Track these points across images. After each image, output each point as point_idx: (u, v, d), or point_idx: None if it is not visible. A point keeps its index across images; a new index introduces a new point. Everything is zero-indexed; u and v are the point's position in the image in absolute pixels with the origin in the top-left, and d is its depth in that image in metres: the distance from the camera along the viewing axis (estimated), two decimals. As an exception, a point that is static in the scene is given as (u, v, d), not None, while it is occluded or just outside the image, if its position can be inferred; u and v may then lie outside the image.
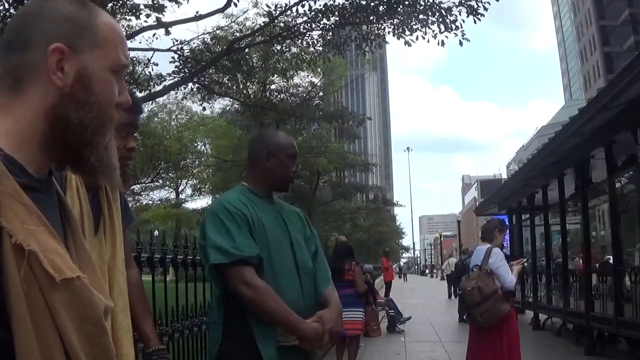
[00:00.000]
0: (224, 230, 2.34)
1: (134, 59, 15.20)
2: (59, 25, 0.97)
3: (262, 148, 2.55)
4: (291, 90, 22.95)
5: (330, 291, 2.52)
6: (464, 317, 9.57)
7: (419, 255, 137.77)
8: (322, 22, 13.58)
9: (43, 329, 0.85)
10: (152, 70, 15.31)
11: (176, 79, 14.68)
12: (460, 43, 12.51)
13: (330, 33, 14.08)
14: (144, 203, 32.81)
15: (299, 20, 13.82)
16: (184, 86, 15.95)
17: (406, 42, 12.73)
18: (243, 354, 2.31)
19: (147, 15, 12.63)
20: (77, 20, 0.98)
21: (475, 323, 5.53)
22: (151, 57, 14.98)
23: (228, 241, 2.31)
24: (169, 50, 14.31)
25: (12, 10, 9.90)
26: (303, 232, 2.57)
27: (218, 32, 16.87)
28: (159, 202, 33.54)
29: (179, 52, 14.47)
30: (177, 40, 14.52)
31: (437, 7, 12.29)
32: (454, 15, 12.32)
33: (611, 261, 8.99)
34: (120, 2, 12.33)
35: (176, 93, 17.47)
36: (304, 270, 2.45)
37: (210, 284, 2.55)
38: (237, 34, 16.47)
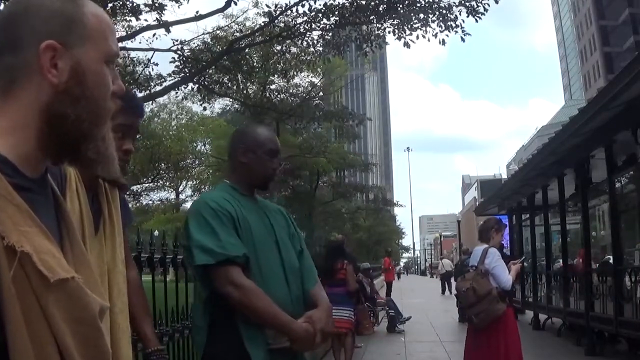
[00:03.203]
0: (208, 229, 2.25)
1: (134, 59, 15.21)
2: (48, 22, 0.96)
3: (239, 144, 2.47)
4: (291, 90, 22.96)
5: (317, 290, 2.44)
6: (464, 317, 9.59)
7: (419, 255, 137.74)
8: (322, 22, 13.59)
9: (37, 330, 0.85)
10: (152, 70, 15.33)
11: (176, 79, 14.68)
12: (462, 39, 12.56)
13: (330, 33, 14.09)
14: (144, 203, 32.81)
15: (299, 20, 13.83)
16: (184, 86, 15.96)
17: (405, 44, 12.74)
18: (231, 357, 2.23)
19: (147, 12, 12.62)
20: (66, 14, 0.97)
21: (471, 324, 5.53)
22: (151, 57, 15.01)
23: (213, 241, 2.22)
24: (169, 50, 14.31)
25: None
26: (287, 231, 2.48)
27: (218, 32, 16.87)
28: (159, 202, 33.54)
29: (179, 52, 14.47)
30: (177, 41, 14.54)
31: (437, 6, 12.31)
32: (454, 14, 12.35)
33: (611, 261, 8.99)
34: (120, 2, 12.32)
35: (176, 94, 17.48)
36: (290, 270, 2.36)
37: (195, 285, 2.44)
38: (237, 34, 16.47)
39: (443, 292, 26.40)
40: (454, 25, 12.41)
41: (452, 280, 26.79)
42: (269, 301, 2.21)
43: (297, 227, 2.58)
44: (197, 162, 31.26)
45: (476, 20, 12.36)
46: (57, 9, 0.97)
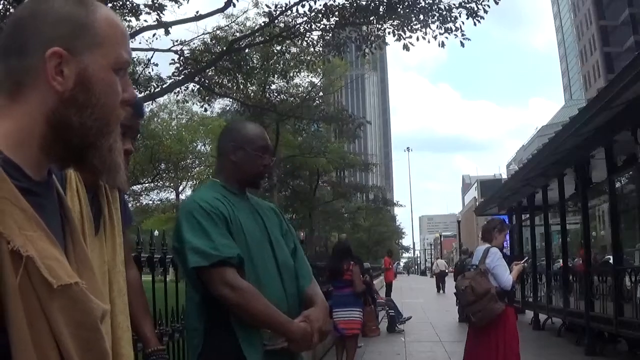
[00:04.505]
0: (200, 230, 2.20)
1: (134, 59, 15.20)
2: (55, 27, 0.94)
3: (228, 141, 2.41)
4: (291, 91, 22.97)
5: (313, 288, 2.40)
6: (464, 317, 9.64)
7: (419, 255, 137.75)
8: (322, 23, 13.60)
9: (40, 334, 0.85)
10: (152, 70, 15.33)
11: (176, 80, 14.67)
12: (462, 44, 12.56)
13: (330, 34, 14.09)
14: (144, 203, 32.82)
15: (299, 21, 13.84)
16: (184, 87, 15.95)
17: (405, 46, 12.74)
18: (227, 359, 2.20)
19: (148, 13, 12.62)
20: (74, 20, 0.95)
21: (469, 322, 5.54)
22: (151, 58, 15.01)
23: (206, 242, 2.17)
24: (169, 50, 14.31)
25: (12, 10, 9.90)
26: (280, 228, 2.44)
27: (218, 32, 16.89)
28: (158, 202, 33.55)
29: (179, 53, 14.47)
30: (177, 41, 14.54)
31: (437, 7, 12.31)
32: (454, 16, 12.35)
33: (611, 261, 8.99)
34: (120, 2, 12.33)
35: (177, 95, 17.48)
36: (285, 269, 2.32)
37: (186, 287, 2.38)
38: (237, 34, 16.47)
39: (438, 290, 28.34)
40: (453, 27, 12.41)
41: (447, 279, 27.93)
42: (266, 302, 2.18)
43: (289, 224, 2.54)
44: (197, 162, 31.29)
45: (475, 24, 12.38)
46: (65, 13, 0.95)
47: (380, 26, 13.55)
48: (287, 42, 15.95)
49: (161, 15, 12.76)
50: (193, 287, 2.26)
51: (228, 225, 2.23)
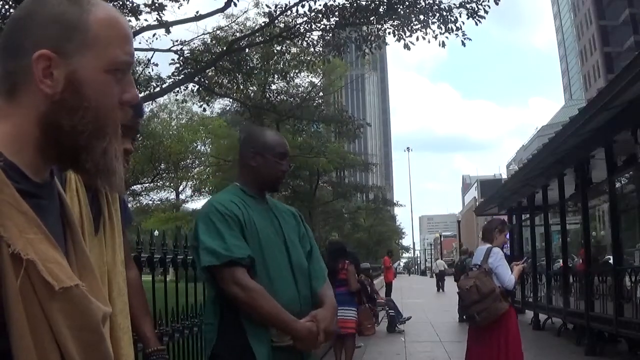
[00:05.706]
0: (215, 231, 2.33)
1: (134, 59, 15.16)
2: (47, 29, 0.93)
3: (249, 147, 2.55)
4: (291, 91, 22.95)
5: (325, 290, 2.50)
6: (464, 317, 9.63)
7: (419, 255, 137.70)
8: (322, 23, 13.60)
9: (41, 337, 0.85)
10: (152, 70, 15.32)
11: (176, 80, 14.66)
12: (463, 44, 12.57)
13: (330, 34, 14.10)
14: (144, 203, 32.80)
15: (299, 21, 13.85)
16: (184, 87, 15.94)
17: (406, 46, 12.75)
18: (236, 354, 2.30)
19: (148, 13, 12.61)
20: (66, 21, 0.93)
21: (473, 322, 5.54)
22: (151, 58, 15.00)
23: (219, 243, 2.30)
24: (169, 50, 14.30)
25: (12, 11, 9.90)
26: (297, 231, 2.55)
27: (218, 32, 16.88)
28: (158, 202, 33.53)
29: (179, 53, 14.46)
30: (177, 41, 14.53)
31: (438, 8, 12.32)
32: (454, 16, 12.36)
33: (611, 261, 8.99)
34: (120, 2, 12.31)
35: (176, 95, 17.46)
36: (298, 270, 2.43)
37: (203, 285, 2.53)
38: (237, 34, 16.47)
39: (438, 290, 30.31)
40: (454, 27, 12.42)
41: (446, 278, 29.20)
42: (273, 301, 2.28)
43: (307, 227, 2.64)
44: (197, 162, 31.29)
45: (476, 24, 12.39)
46: (57, 14, 0.93)
47: (380, 26, 13.55)
48: (287, 42, 15.96)
49: (161, 15, 12.76)
50: (208, 284, 2.42)
51: (242, 227, 2.35)
